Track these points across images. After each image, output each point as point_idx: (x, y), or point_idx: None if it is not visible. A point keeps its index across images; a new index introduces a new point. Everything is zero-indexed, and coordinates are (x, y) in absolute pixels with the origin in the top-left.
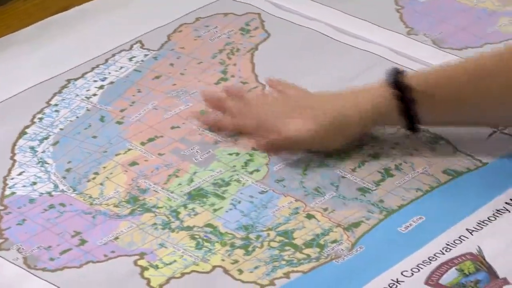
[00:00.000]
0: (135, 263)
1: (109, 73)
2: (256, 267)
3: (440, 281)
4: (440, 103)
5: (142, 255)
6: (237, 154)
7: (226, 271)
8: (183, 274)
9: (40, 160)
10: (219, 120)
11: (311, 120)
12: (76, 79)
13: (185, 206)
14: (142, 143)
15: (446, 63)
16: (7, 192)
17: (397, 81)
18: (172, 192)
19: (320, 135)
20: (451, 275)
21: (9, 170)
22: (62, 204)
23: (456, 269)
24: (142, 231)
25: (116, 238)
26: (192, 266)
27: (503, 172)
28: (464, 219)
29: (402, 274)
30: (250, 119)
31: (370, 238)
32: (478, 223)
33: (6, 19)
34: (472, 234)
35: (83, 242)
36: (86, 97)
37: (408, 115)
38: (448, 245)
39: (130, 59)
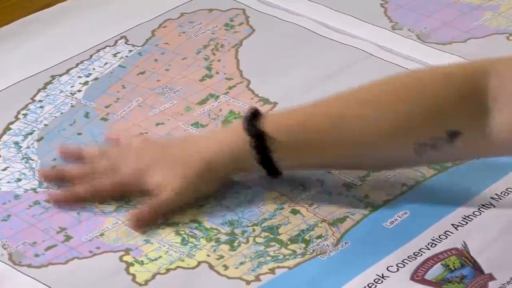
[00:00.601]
0: (121, 259)
1: (94, 69)
2: (241, 263)
3: (426, 277)
4: (296, 150)
5: (127, 251)
6: None
7: (211, 267)
8: (168, 270)
9: (24, 156)
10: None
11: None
12: (60, 75)
13: None
14: None
15: (311, 103)
16: None
17: (253, 128)
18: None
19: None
20: (436, 271)
21: None
22: (47, 201)
23: (441, 264)
24: (128, 227)
25: (102, 234)
26: (177, 262)
27: (488, 167)
28: (449, 214)
29: (387, 269)
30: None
31: (356, 234)
32: (463, 218)
33: None
34: (457, 229)
35: (68, 238)
36: (70, 93)
37: (266, 163)
38: (433, 240)
39: (115, 55)
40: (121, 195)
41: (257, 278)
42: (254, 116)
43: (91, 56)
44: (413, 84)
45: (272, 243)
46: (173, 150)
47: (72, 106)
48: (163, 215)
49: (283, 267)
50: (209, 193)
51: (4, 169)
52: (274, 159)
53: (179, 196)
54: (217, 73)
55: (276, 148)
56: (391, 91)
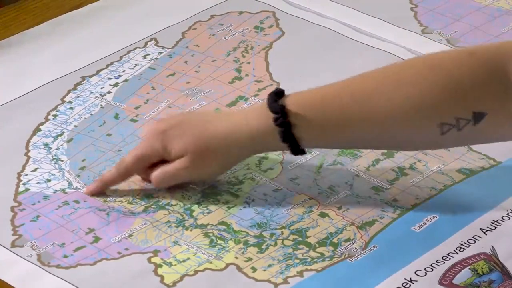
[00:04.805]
0: (149, 260)
1: (124, 70)
2: (269, 265)
3: (454, 281)
4: (319, 125)
5: (156, 252)
6: None
7: (239, 269)
8: (196, 272)
9: (54, 157)
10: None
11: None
12: (90, 76)
13: (199, 204)
14: None
15: (335, 82)
16: (21, 188)
17: (275, 104)
18: (186, 190)
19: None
20: (464, 275)
21: (23, 167)
22: (76, 201)
23: (469, 269)
24: (156, 228)
25: (130, 235)
26: (205, 263)
27: None
28: (478, 218)
29: (415, 273)
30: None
31: (384, 237)
32: (492, 223)
33: (21, 15)
34: (486, 234)
35: (97, 239)
36: (100, 95)
37: (288, 139)
38: (461, 244)
39: (145, 57)
40: (143, 165)
41: (285, 281)
42: (277, 95)
43: (121, 57)
44: (438, 64)
45: (301, 246)
46: (197, 122)
47: (101, 107)
48: (181, 179)
49: (311, 270)
50: (227, 168)
51: (34, 170)
52: (296, 135)
53: (196, 169)
54: (247, 75)
55: (299, 124)
56: (415, 71)
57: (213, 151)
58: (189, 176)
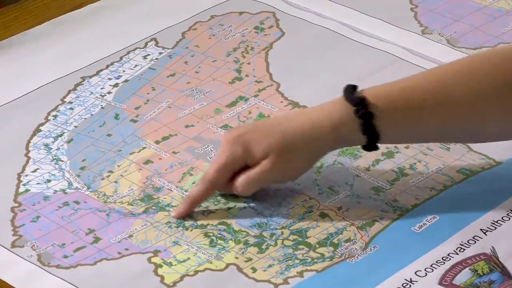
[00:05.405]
0: (149, 260)
1: (124, 71)
2: (269, 266)
3: (454, 281)
4: (401, 116)
5: (156, 252)
6: None
7: (239, 269)
8: (196, 272)
9: (54, 157)
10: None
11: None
12: (90, 77)
13: (199, 204)
14: (157, 142)
15: (407, 76)
16: (21, 189)
17: (354, 97)
18: (186, 191)
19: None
20: (464, 276)
21: (24, 167)
22: (77, 202)
23: (469, 269)
24: (156, 229)
25: (130, 236)
26: (205, 263)
27: None
28: (478, 219)
29: (415, 274)
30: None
31: (384, 238)
32: (492, 223)
33: (21, 15)
34: (486, 234)
35: (97, 239)
36: (100, 95)
37: (368, 131)
38: (462, 245)
39: (145, 57)
40: (227, 175)
41: (285, 281)
42: (351, 89)
43: (121, 58)
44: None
45: (301, 246)
46: (273, 123)
47: (102, 107)
48: (265, 183)
49: (311, 270)
50: (308, 167)
51: (34, 171)
52: (377, 127)
53: (281, 169)
54: (247, 75)
55: (380, 115)
56: (489, 63)
57: (296, 149)
58: (274, 177)
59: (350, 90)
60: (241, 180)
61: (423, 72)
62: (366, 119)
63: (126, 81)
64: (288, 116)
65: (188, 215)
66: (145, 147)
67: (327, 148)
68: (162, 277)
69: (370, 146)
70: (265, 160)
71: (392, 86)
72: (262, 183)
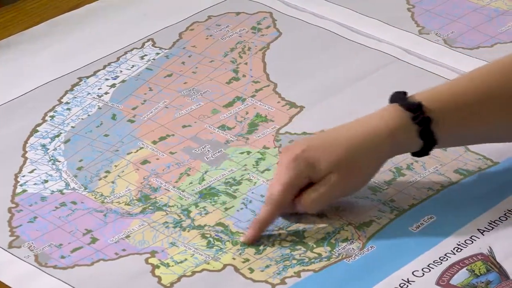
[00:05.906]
0: (146, 261)
1: (121, 71)
2: (267, 266)
3: (451, 282)
4: (457, 120)
5: (153, 253)
6: (249, 153)
7: (237, 270)
8: (194, 273)
9: (51, 158)
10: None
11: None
12: (87, 77)
13: (196, 205)
14: (154, 142)
15: (452, 80)
16: (19, 190)
17: (410, 102)
18: (183, 191)
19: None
20: (462, 276)
21: (21, 168)
22: (74, 202)
23: (467, 269)
24: (154, 229)
25: (127, 236)
26: (203, 264)
27: None
28: (475, 219)
29: (413, 274)
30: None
31: (381, 238)
32: (490, 223)
33: (19, 16)
34: (483, 234)
35: (94, 240)
36: (97, 95)
37: (426, 136)
38: (459, 245)
39: (142, 57)
40: (293, 193)
41: (283, 281)
42: (402, 95)
43: (118, 58)
44: None
45: (298, 247)
46: (331, 135)
47: (99, 108)
48: (334, 198)
49: (308, 270)
50: (370, 178)
51: (31, 171)
52: (435, 132)
53: (347, 182)
54: (244, 76)
55: (438, 120)
56: None
57: (359, 159)
58: (343, 191)
59: (402, 96)
60: (311, 197)
61: (466, 74)
62: (425, 125)
63: (123, 81)
64: (345, 127)
65: (256, 239)
66: (142, 147)
67: (385, 155)
68: (160, 278)
69: (423, 151)
70: (331, 174)
71: (442, 90)
72: (332, 198)
